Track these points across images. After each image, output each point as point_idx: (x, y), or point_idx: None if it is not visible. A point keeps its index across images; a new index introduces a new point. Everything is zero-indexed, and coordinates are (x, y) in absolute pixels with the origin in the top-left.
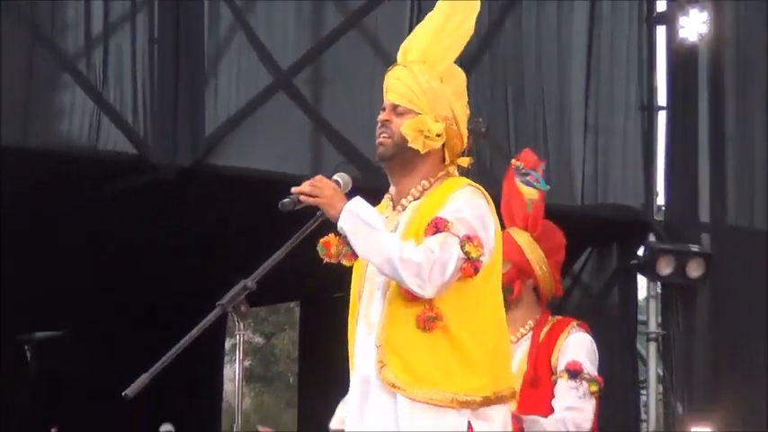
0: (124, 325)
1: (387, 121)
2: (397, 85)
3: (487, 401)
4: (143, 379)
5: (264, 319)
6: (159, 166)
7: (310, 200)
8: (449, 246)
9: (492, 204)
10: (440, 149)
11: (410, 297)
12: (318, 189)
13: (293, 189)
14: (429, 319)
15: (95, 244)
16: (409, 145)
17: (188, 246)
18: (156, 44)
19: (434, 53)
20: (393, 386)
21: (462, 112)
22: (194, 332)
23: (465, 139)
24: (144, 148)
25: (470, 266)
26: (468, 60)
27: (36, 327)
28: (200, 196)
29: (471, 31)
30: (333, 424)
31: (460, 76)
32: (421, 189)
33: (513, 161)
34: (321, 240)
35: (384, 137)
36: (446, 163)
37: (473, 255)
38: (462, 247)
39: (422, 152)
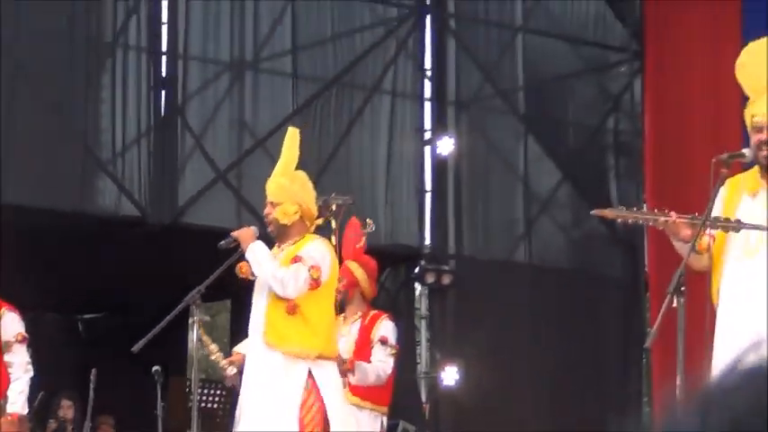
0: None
1: (268, 213)
2: (270, 188)
3: (321, 356)
4: (144, 339)
5: (210, 307)
6: (152, 223)
7: (237, 242)
8: (301, 271)
9: (331, 248)
10: (300, 220)
11: (280, 297)
12: (241, 233)
13: (231, 234)
14: (293, 307)
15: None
16: (281, 222)
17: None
18: (152, 159)
19: (286, 165)
20: (269, 345)
21: (310, 197)
22: (171, 316)
23: (315, 212)
24: (143, 211)
25: (314, 283)
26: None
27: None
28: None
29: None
30: (238, 348)
31: (303, 176)
32: (292, 242)
33: (348, 223)
34: (238, 265)
35: (268, 221)
36: (308, 226)
37: (314, 276)
38: (309, 271)
39: (288, 224)
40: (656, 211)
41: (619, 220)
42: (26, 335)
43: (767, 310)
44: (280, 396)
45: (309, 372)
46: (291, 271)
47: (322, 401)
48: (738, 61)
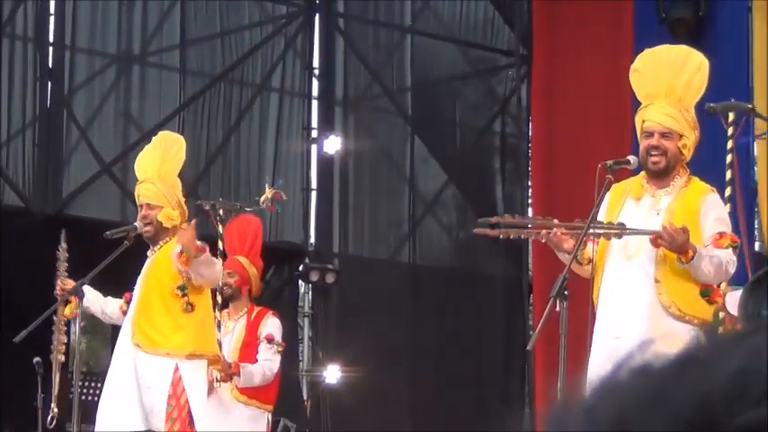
0: None
1: (146, 215)
2: (149, 191)
3: (191, 356)
4: (26, 330)
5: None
6: (35, 213)
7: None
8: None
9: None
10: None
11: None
12: (189, 244)
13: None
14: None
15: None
16: (164, 225)
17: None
18: (37, 150)
19: (165, 172)
20: (137, 345)
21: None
22: (53, 308)
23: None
24: (27, 202)
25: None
26: None
27: None
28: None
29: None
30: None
31: (178, 182)
32: (163, 244)
33: (238, 218)
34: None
35: (147, 222)
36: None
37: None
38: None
39: (169, 227)
40: (539, 218)
41: (500, 237)
42: None
43: (644, 312)
44: (146, 393)
45: (176, 367)
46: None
47: (187, 400)
48: (633, 67)
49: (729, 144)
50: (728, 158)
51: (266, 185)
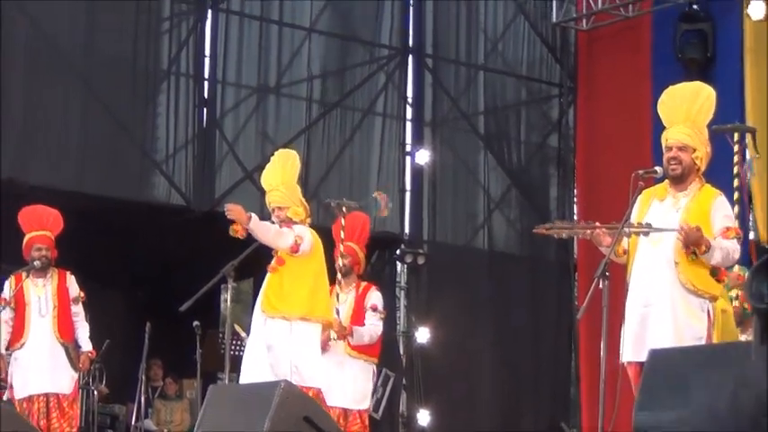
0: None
1: (279, 215)
2: (273, 198)
3: (303, 318)
4: (190, 301)
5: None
6: (194, 210)
7: (234, 216)
8: (288, 234)
9: (314, 235)
10: (305, 215)
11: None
12: (239, 216)
13: (227, 207)
14: (273, 268)
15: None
16: (293, 220)
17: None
18: (195, 161)
19: (287, 180)
20: (264, 310)
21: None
22: (211, 283)
23: (308, 209)
24: (188, 201)
25: (295, 246)
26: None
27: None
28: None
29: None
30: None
31: (297, 187)
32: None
33: (353, 214)
34: (232, 227)
35: (281, 219)
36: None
37: (297, 242)
38: (296, 239)
39: (297, 221)
40: (583, 222)
41: (555, 235)
42: (84, 294)
43: (666, 287)
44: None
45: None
46: (287, 232)
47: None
48: (660, 99)
49: (736, 158)
50: (735, 169)
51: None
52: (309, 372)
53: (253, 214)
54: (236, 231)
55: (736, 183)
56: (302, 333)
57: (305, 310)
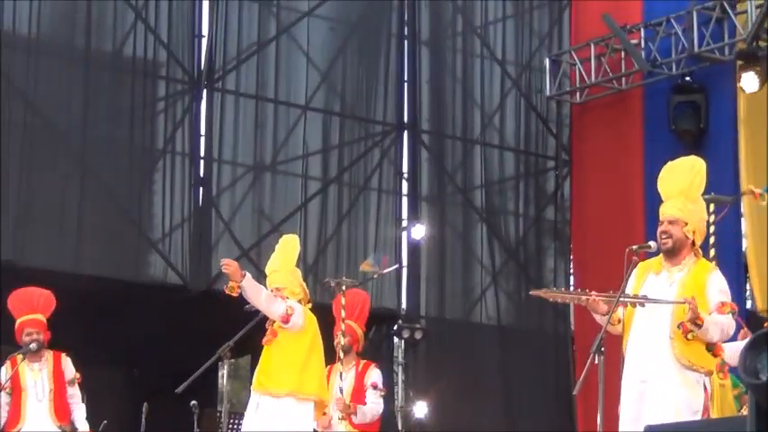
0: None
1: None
2: (273, 280)
3: (291, 395)
4: (186, 382)
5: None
6: (191, 289)
7: (229, 272)
8: (280, 303)
9: (309, 315)
10: (303, 296)
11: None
12: (233, 272)
13: (222, 261)
14: (269, 340)
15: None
16: (290, 298)
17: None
18: (191, 239)
19: (286, 264)
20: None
21: (296, 283)
22: (207, 364)
23: (306, 292)
24: (185, 280)
25: (287, 317)
26: None
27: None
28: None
29: None
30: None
31: (296, 270)
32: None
33: (351, 291)
34: (228, 285)
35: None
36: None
37: (288, 312)
38: (287, 310)
39: (294, 299)
40: (579, 290)
41: (551, 300)
42: (79, 375)
43: (662, 362)
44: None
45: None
46: (276, 299)
47: None
48: (660, 175)
49: (711, 228)
50: (711, 240)
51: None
52: None
53: (247, 273)
54: (233, 289)
55: (712, 252)
56: (291, 411)
57: (293, 386)
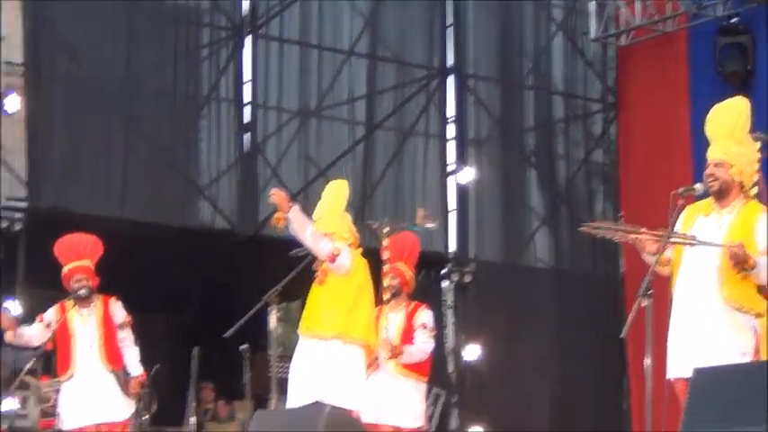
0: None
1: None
2: (326, 224)
3: (333, 337)
4: (235, 327)
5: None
6: (239, 234)
7: (276, 201)
8: (327, 242)
9: (358, 257)
10: (353, 241)
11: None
12: (281, 203)
13: (272, 192)
14: (321, 280)
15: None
16: (347, 244)
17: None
18: (239, 185)
19: (333, 210)
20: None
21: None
22: (255, 309)
23: (356, 237)
24: (232, 225)
25: (333, 257)
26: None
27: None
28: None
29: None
30: None
31: (345, 214)
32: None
33: (401, 235)
34: (274, 217)
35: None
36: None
37: (335, 253)
38: (332, 247)
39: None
40: (630, 226)
41: (598, 236)
42: (130, 318)
43: (710, 303)
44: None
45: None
46: (323, 237)
47: None
48: (707, 117)
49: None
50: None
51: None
52: (347, 393)
53: (295, 205)
54: (278, 220)
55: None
56: (338, 353)
57: (339, 329)
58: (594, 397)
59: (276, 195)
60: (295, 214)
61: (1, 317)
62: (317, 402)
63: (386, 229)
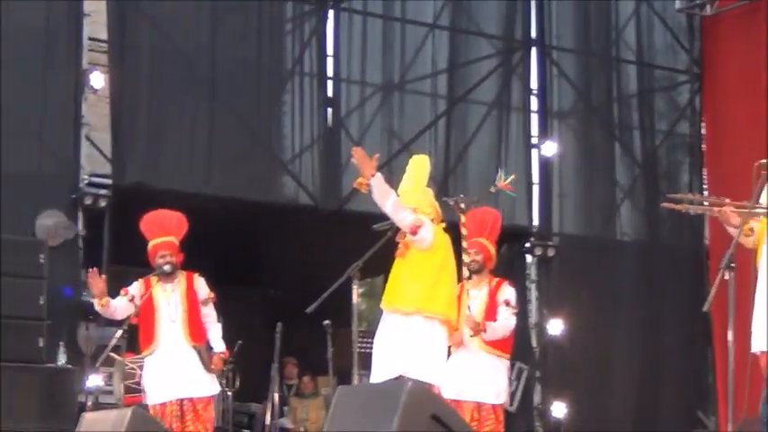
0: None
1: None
2: (405, 200)
3: (414, 312)
4: (317, 302)
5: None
6: (322, 209)
7: (359, 163)
8: (409, 212)
9: (441, 232)
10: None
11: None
12: (364, 165)
13: (354, 149)
14: (402, 252)
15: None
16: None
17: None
18: (322, 159)
19: (417, 184)
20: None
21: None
22: (337, 284)
23: (439, 212)
24: (316, 201)
25: (415, 228)
26: None
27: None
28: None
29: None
30: None
31: (427, 189)
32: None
33: (482, 209)
34: (357, 181)
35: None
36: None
37: (416, 224)
38: (413, 217)
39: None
40: (713, 199)
41: (683, 210)
42: (213, 294)
43: None
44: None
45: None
46: (405, 207)
47: None
48: None
49: None
50: None
51: (498, 176)
52: (427, 368)
53: (378, 173)
54: (361, 185)
55: None
56: (420, 328)
57: (420, 303)
58: (679, 370)
59: (357, 153)
60: (378, 181)
61: (92, 282)
62: (398, 377)
63: (462, 205)
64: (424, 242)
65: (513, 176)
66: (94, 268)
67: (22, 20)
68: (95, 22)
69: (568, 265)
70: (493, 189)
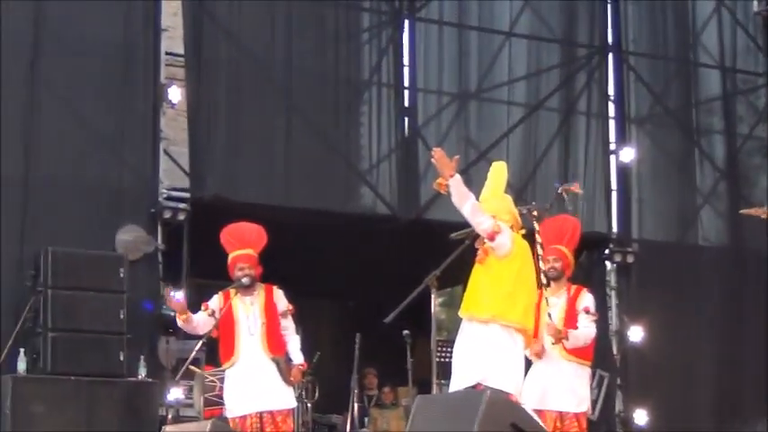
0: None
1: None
2: (490, 205)
3: (490, 320)
4: (395, 312)
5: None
6: (400, 218)
7: (438, 163)
8: (487, 217)
9: (520, 240)
10: (514, 223)
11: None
12: (443, 164)
13: (434, 150)
14: (482, 258)
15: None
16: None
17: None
18: (399, 169)
19: (496, 191)
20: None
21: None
22: (415, 293)
23: (517, 219)
24: (393, 210)
25: (493, 234)
26: None
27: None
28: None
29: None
30: None
31: (505, 196)
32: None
33: (560, 217)
34: (437, 182)
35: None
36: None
37: (495, 230)
38: (493, 224)
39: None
40: None
41: (763, 217)
42: (292, 307)
43: None
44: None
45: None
46: (483, 212)
47: None
48: None
49: None
50: None
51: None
52: (504, 377)
53: (458, 175)
54: (440, 185)
55: None
56: (497, 337)
57: (496, 311)
58: (761, 377)
59: (437, 154)
60: (456, 182)
61: (173, 302)
62: (477, 386)
63: (534, 212)
64: (502, 249)
65: (575, 182)
66: (168, 289)
67: (101, 36)
68: (172, 37)
69: (648, 272)
70: (560, 189)
